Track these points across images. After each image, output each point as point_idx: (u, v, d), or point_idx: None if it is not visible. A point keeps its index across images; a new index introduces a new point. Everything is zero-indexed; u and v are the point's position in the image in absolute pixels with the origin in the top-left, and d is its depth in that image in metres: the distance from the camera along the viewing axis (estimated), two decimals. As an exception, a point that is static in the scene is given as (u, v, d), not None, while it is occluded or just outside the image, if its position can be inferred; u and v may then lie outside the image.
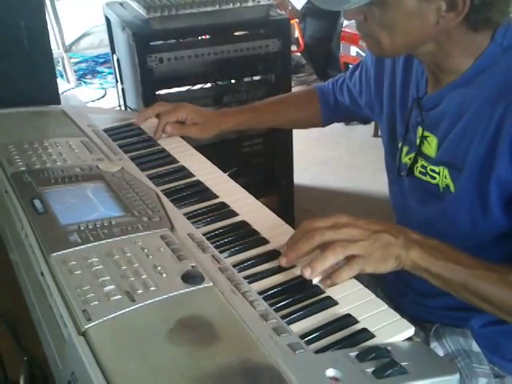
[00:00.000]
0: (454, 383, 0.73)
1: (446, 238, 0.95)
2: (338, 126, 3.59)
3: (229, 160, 2.33)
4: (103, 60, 4.67)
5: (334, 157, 3.34)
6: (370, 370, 0.68)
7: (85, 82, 4.53)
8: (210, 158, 2.14)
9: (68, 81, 4.42)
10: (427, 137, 1.04)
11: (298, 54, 4.42)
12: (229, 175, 2.32)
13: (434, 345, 1.10)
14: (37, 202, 0.93)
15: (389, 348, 0.73)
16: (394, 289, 1.21)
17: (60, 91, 4.14)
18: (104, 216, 0.92)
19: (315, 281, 0.84)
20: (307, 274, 0.83)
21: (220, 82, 2.35)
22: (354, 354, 0.70)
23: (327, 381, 0.65)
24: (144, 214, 0.93)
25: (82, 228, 0.87)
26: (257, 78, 2.40)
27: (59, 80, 4.39)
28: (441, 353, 1.09)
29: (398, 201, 1.17)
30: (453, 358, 1.08)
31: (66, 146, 1.16)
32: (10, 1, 1.49)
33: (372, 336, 0.76)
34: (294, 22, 4.10)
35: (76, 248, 0.83)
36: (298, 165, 2.77)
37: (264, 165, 2.45)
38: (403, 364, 0.70)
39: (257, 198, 2.65)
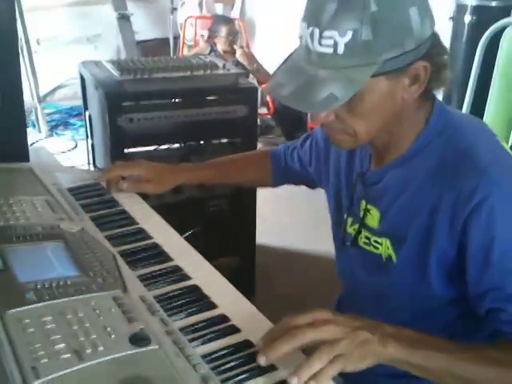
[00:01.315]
0: None
1: (390, 304, 1.01)
2: (304, 188, 3.68)
3: (193, 219, 2.40)
4: (76, 112, 4.74)
5: (298, 218, 3.42)
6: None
7: (57, 133, 4.58)
8: (175, 216, 2.19)
9: (40, 131, 4.47)
10: (370, 210, 1.11)
11: (269, 116, 4.56)
12: (191, 233, 2.37)
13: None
14: (-3, 259, 0.97)
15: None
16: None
17: (31, 141, 4.18)
18: (61, 275, 0.96)
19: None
20: (294, 382, 0.83)
21: (188, 143, 2.42)
22: (286, 418, 0.75)
23: None
24: (99, 275, 0.98)
25: (39, 287, 0.92)
26: (224, 140, 2.48)
27: (31, 130, 4.45)
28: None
29: (344, 269, 1.23)
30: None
31: (30, 204, 1.21)
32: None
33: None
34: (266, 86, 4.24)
35: (31, 306, 0.87)
36: (262, 225, 2.83)
37: (227, 225, 2.51)
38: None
39: (218, 258, 2.69)
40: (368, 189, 1.12)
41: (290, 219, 3.40)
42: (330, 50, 0.90)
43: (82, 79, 2.45)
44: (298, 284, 2.73)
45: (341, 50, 0.89)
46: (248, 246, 2.60)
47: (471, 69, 3.20)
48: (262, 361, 0.85)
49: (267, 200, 3.08)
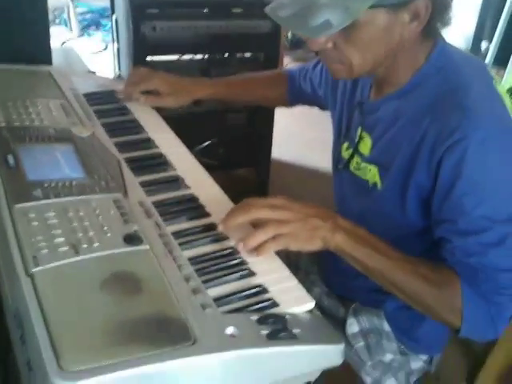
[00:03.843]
0: (337, 351, 0.87)
1: (373, 227, 1.08)
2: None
3: (212, 130, 2.47)
4: (108, 13, 4.71)
5: (318, 137, 3.45)
6: (264, 333, 0.81)
7: (88, 34, 4.60)
8: (193, 127, 2.25)
9: (71, 30, 4.49)
10: (364, 137, 1.16)
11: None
12: (209, 144, 2.44)
13: (351, 321, 1.24)
14: (10, 158, 1.05)
15: (287, 317, 0.86)
16: (327, 268, 1.35)
17: (62, 40, 4.19)
18: (67, 176, 1.04)
19: (243, 252, 0.97)
20: (240, 247, 0.97)
21: (210, 55, 2.44)
22: (255, 317, 0.84)
23: (226, 337, 0.79)
24: (103, 179, 1.06)
25: (46, 185, 1.00)
26: (247, 54, 2.49)
27: (63, 28, 4.48)
28: (356, 328, 1.24)
29: (337, 190, 1.30)
30: (366, 333, 1.23)
31: (45, 107, 1.28)
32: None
33: (277, 305, 0.89)
34: None
35: (37, 202, 0.96)
36: (282, 141, 2.88)
37: (245, 138, 2.57)
38: (295, 331, 0.84)
39: (235, 169, 2.77)
40: (365, 117, 1.17)
41: (311, 137, 3.43)
42: None
43: (110, -18, 2.47)
44: (311, 200, 2.81)
45: None
46: (264, 159, 2.67)
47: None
48: (220, 227, 1.00)
49: (290, 115, 3.12)
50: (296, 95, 1.54)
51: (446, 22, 1.03)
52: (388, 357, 1.22)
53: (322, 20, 0.91)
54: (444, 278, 1.00)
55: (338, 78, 1.14)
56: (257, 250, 0.96)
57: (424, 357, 1.28)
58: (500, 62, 3.26)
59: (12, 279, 0.84)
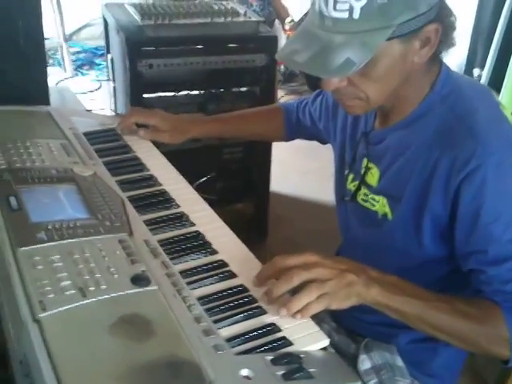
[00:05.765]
0: (354, 390, 0.85)
1: (382, 258, 1.06)
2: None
3: (209, 165, 2.46)
4: (102, 52, 4.75)
5: (315, 167, 3.45)
6: (279, 373, 0.79)
7: (82, 73, 4.62)
8: (191, 162, 2.25)
9: (65, 70, 4.51)
10: (371, 168, 1.15)
11: (293, 63, 4.53)
12: (207, 180, 2.44)
13: (363, 357, 1.21)
14: (12, 200, 1.04)
15: (302, 355, 0.84)
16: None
17: (56, 80, 4.21)
18: (71, 217, 1.03)
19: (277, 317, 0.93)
20: (283, 313, 0.92)
21: (206, 90, 2.45)
22: (269, 357, 0.82)
23: (240, 379, 0.77)
24: (107, 219, 1.04)
25: (50, 227, 0.98)
26: (243, 89, 2.50)
27: (57, 68, 4.50)
28: (368, 364, 1.21)
29: (343, 222, 1.28)
30: (378, 370, 1.20)
31: (46, 147, 1.26)
32: (8, 0, 1.59)
33: (290, 344, 0.87)
34: (292, 33, 4.22)
35: (41, 245, 0.94)
36: (280, 173, 2.87)
37: (243, 171, 2.56)
38: (311, 370, 0.82)
39: (234, 203, 2.76)
40: (370, 147, 1.16)
41: (309, 168, 3.43)
42: (346, 15, 0.90)
43: (105, 21, 2.48)
44: (310, 232, 2.79)
45: (356, 14, 0.90)
46: (263, 192, 2.65)
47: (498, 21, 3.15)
48: (265, 300, 0.95)
49: (286, 147, 3.12)
50: (294, 129, 1.53)
51: (450, 43, 1.03)
52: (403, 393, 1.19)
53: (343, 59, 0.90)
54: (484, 311, 0.98)
55: (354, 114, 1.13)
56: (301, 312, 0.93)
57: (438, 391, 1.25)
58: (493, 88, 3.28)
59: (18, 325, 0.81)
